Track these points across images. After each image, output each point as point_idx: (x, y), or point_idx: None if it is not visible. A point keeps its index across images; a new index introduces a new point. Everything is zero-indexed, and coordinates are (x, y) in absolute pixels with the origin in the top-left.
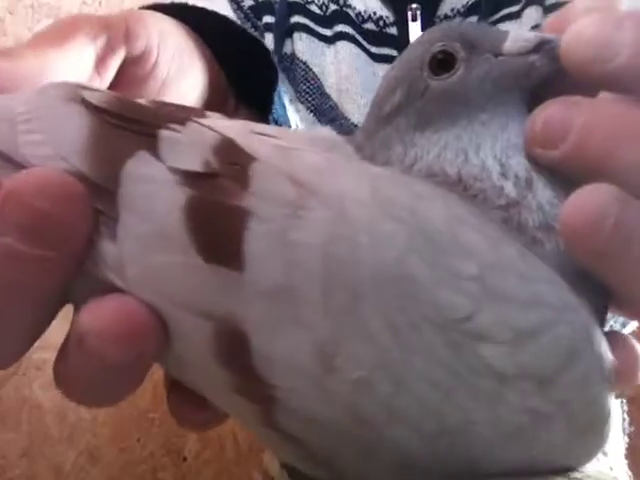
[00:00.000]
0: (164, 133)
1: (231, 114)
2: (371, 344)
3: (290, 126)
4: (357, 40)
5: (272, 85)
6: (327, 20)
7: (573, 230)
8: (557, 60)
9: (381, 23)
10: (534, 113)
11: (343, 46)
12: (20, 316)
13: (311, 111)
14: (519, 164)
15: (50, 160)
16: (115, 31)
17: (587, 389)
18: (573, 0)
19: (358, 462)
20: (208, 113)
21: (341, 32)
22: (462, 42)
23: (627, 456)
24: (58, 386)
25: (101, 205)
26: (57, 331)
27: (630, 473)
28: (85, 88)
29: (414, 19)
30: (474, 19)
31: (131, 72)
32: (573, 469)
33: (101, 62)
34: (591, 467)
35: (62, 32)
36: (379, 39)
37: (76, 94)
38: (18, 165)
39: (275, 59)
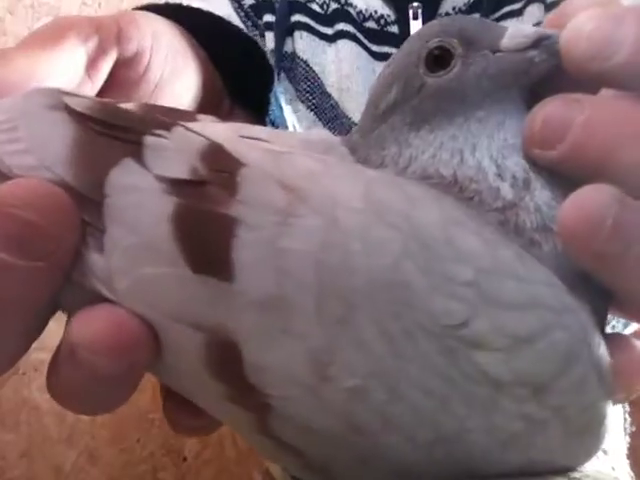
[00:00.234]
0: (149, 139)
1: (226, 115)
2: (365, 352)
3: (287, 127)
4: (358, 39)
5: (268, 86)
6: (328, 19)
7: (571, 231)
8: (556, 56)
9: (382, 22)
10: (533, 111)
11: (344, 45)
12: (10, 326)
13: (312, 110)
14: (517, 164)
15: (34, 170)
16: (107, 33)
17: (584, 393)
18: None
19: (355, 470)
20: (199, 116)
21: (342, 31)
22: (459, 38)
23: (629, 456)
24: (51, 394)
25: (87, 216)
26: (57, 332)
27: (632, 474)
28: (68, 94)
29: (415, 17)
30: (476, 16)
31: (123, 74)
32: (572, 469)
33: (92, 64)
34: (591, 466)
35: (53, 34)
36: (380, 38)
37: (59, 101)
38: (1, 175)
39: (273, 59)
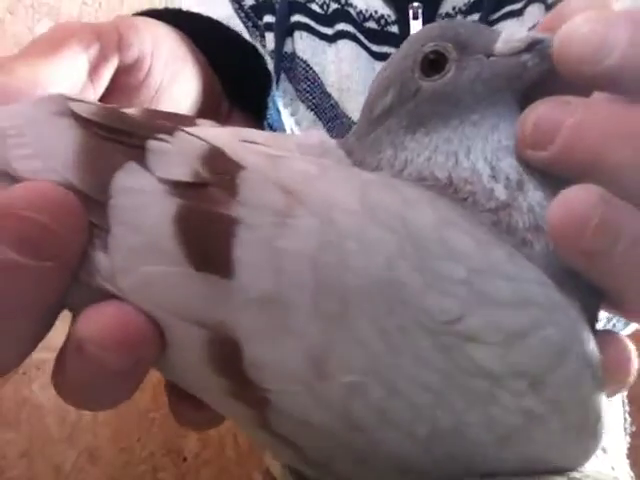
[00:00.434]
0: (152, 144)
1: (225, 118)
2: (362, 349)
3: (285, 130)
4: (358, 39)
5: (266, 90)
6: (328, 19)
7: (559, 230)
8: (549, 60)
9: (382, 22)
10: (525, 113)
11: (344, 45)
12: (20, 325)
13: (311, 110)
14: (510, 166)
15: (42, 173)
16: (108, 39)
17: (579, 388)
18: None
19: (354, 466)
20: (199, 121)
21: (342, 31)
22: (454, 42)
23: (630, 456)
24: (57, 391)
25: (93, 217)
26: (57, 331)
27: (632, 473)
28: (74, 100)
29: (415, 17)
30: (476, 17)
31: (124, 80)
32: (571, 469)
33: (94, 71)
34: (592, 466)
35: (54, 42)
36: (380, 38)
37: (65, 106)
38: (10, 178)
39: (273, 60)
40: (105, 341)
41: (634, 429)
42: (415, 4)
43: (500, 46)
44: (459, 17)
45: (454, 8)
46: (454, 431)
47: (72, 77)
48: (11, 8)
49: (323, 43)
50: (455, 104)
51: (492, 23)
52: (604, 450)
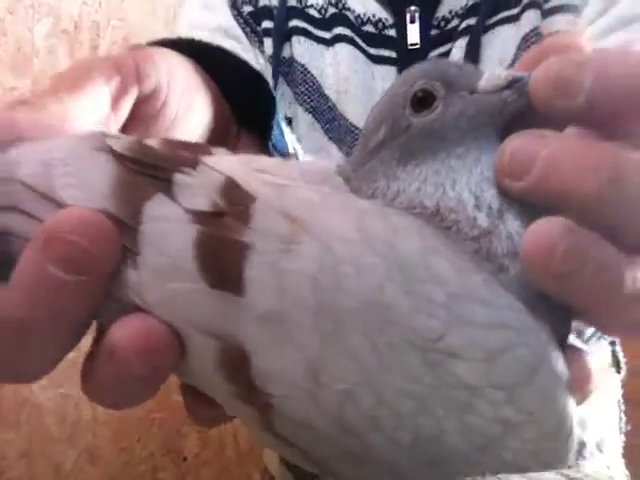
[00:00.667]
0: (178, 177)
1: (234, 139)
2: (354, 362)
3: (287, 149)
4: (356, 42)
5: (271, 113)
6: (326, 23)
7: (530, 257)
8: (526, 96)
9: (380, 25)
10: (503, 145)
11: (342, 48)
12: (59, 334)
13: (309, 112)
14: (492, 196)
15: (83, 201)
16: (127, 72)
17: (549, 401)
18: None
19: (349, 467)
20: (214, 150)
21: (340, 34)
22: (441, 81)
23: (625, 455)
24: (85, 391)
25: (125, 240)
26: None
27: (627, 472)
28: (111, 137)
29: (412, 21)
30: (472, 21)
31: (143, 110)
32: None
33: (116, 103)
34: (588, 464)
35: (78, 77)
36: (378, 41)
37: (103, 142)
38: (55, 203)
39: (270, 68)
40: (132, 348)
41: (630, 428)
42: (412, 8)
43: (483, 84)
44: (456, 21)
45: (450, 12)
46: (436, 438)
47: (97, 110)
48: (11, 8)
49: (321, 47)
50: (442, 138)
51: (489, 27)
52: (600, 450)
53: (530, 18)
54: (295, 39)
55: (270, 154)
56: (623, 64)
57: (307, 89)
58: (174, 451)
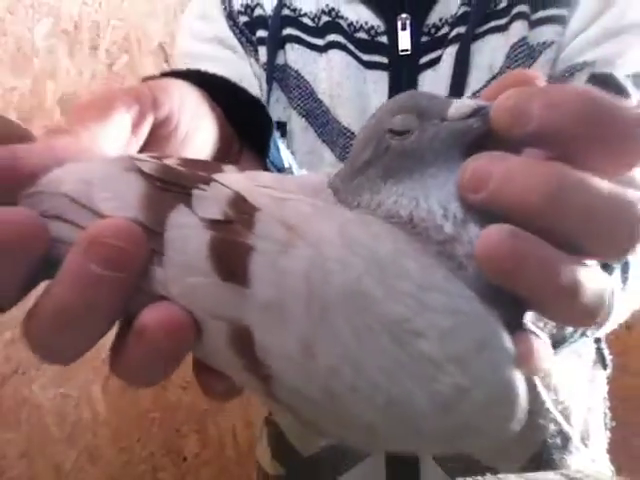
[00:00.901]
0: (195, 192)
1: (236, 155)
2: (338, 341)
3: (283, 164)
4: (348, 48)
5: (269, 132)
6: (319, 31)
7: (480, 257)
8: (488, 123)
9: (373, 32)
10: (465, 163)
11: (335, 54)
12: (95, 322)
13: (303, 116)
14: (457, 208)
15: (117, 212)
16: (144, 101)
17: (496, 371)
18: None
19: (334, 427)
20: (225, 167)
21: (333, 41)
22: (416, 111)
23: (623, 452)
24: (113, 371)
25: (152, 243)
26: None
27: (612, 467)
28: (139, 160)
29: (404, 28)
30: (462, 29)
31: (158, 133)
32: (495, 433)
33: (135, 128)
34: (574, 459)
35: (103, 107)
36: (370, 47)
37: (133, 165)
38: (94, 213)
39: (265, 83)
40: (160, 327)
41: (614, 424)
42: (403, 15)
43: (452, 112)
44: (446, 28)
45: (441, 20)
46: (406, 403)
47: (120, 135)
48: (11, 8)
49: (314, 53)
50: (418, 159)
51: (478, 36)
52: (586, 445)
53: (518, 28)
54: (289, 46)
55: (268, 169)
56: (565, 97)
57: (300, 94)
58: (174, 451)
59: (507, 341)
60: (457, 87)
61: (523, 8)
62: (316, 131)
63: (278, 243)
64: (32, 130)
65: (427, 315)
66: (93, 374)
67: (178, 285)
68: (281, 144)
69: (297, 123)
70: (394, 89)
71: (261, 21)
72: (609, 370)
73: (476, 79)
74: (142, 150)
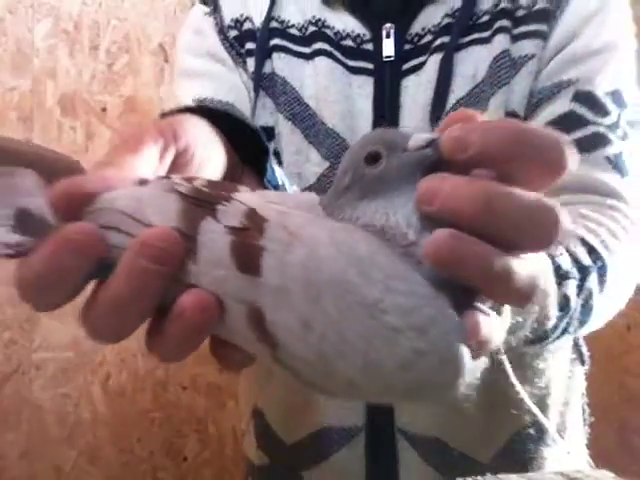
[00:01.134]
0: (219, 207)
1: (240, 176)
2: (327, 316)
3: (278, 182)
4: (334, 55)
5: (266, 156)
6: (306, 39)
7: (428, 255)
8: (440, 151)
9: (359, 40)
10: (421, 182)
11: (321, 61)
12: (143, 306)
13: (289, 119)
14: (417, 220)
15: (161, 223)
16: (167, 135)
17: (445, 339)
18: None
19: (327, 383)
20: (240, 187)
21: (319, 49)
22: (383, 145)
23: (623, 452)
24: (150, 349)
25: (188, 244)
26: (57, 334)
27: (592, 463)
28: (176, 182)
29: (388, 36)
30: (446, 39)
31: (178, 161)
32: (443, 387)
33: (161, 158)
34: (552, 452)
35: (135, 142)
36: (356, 54)
37: (172, 186)
38: (143, 224)
39: (252, 91)
40: (196, 307)
41: (593, 419)
42: (387, 25)
43: (411, 144)
44: (429, 37)
45: (423, 29)
46: (377, 362)
47: (150, 164)
48: (11, 8)
49: (301, 60)
50: (386, 183)
51: (462, 46)
52: (562, 437)
53: (500, 41)
54: (276, 55)
55: (265, 186)
56: (497, 128)
57: (287, 99)
58: (174, 451)
59: (454, 316)
60: (441, 94)
61: (505, 23)
62: (302, 133)
63: (282, 244)
64: (32, 129)
65: (393, 297)
66: (93, 374)
67: (207, 276)
68: (276, 166)
69: (284, 126)
70: (378, 93)
71: (250, 34)
72: (587, 366)
73: (460, 87)
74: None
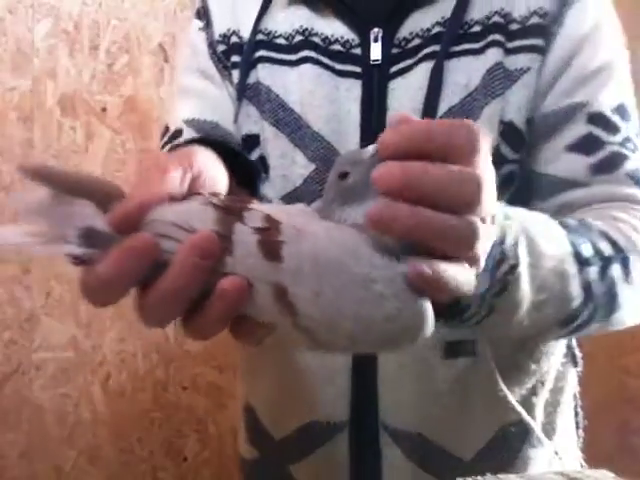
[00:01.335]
0: (245, 214)
1: (236, 191)
2: (332, 288)
3: (270, 200)
4: (321, 61)
5: (257, 175)
6: (292, 48)
7: (369, 221)
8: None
9: (347, 45)
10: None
11: (307, 68)
12: (189, 296)
13: (274, 125)
14: None
15: (202, 228)
16: (185, 163)
17: (414, 300)
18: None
19: (334, 339)
20: (253, 200)
21: (306, 57)
22: (349, 163)
23: (624, 452)
24: (187, 333)
25: (224, 242)
26: (57, 333)
27: (585, 464)
28: (210, 197)
29: (376, 40)
30: (437, 47)
31: (193, 185)
32: (403, 340)
33: (181, 182)
34: (537, 453)
35: (160, 170)
36: (344, 58)
37: (207, 200)
38: (189, 232)
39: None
40: (234, 288)
41: (586, 423)
42: (375, 30)
43: (364, 156)
44: (416, 41)
45: (410, 33)
46: (368, 318)
47: (174, 186)
48: (11, 8)
49: (285, 67)
50: (357, 192)
51: (453, 55)
52: (550, 439)
53: (494, 54)
54: (260, 66)
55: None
56: (411, 131)
57: (271, 107)
58: (174, 451)
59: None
60: (431, 101)
61: (497, 37)
62: (287, 137)
63: (294, 238)
64: (32, 129)
65: (377, 271)
66: (93, 374)
67: (242, 265)
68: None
69: (269, 132)
70: (366, 95)
71: (236, 47)
72: (580, 368)
73: (452, 95)
74: (184, 197)
